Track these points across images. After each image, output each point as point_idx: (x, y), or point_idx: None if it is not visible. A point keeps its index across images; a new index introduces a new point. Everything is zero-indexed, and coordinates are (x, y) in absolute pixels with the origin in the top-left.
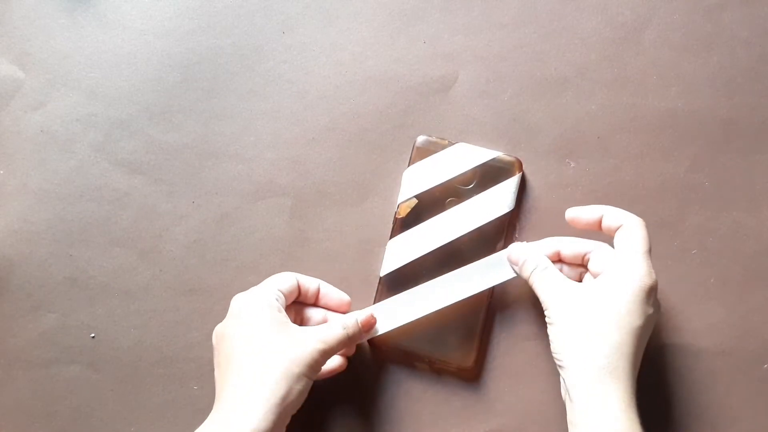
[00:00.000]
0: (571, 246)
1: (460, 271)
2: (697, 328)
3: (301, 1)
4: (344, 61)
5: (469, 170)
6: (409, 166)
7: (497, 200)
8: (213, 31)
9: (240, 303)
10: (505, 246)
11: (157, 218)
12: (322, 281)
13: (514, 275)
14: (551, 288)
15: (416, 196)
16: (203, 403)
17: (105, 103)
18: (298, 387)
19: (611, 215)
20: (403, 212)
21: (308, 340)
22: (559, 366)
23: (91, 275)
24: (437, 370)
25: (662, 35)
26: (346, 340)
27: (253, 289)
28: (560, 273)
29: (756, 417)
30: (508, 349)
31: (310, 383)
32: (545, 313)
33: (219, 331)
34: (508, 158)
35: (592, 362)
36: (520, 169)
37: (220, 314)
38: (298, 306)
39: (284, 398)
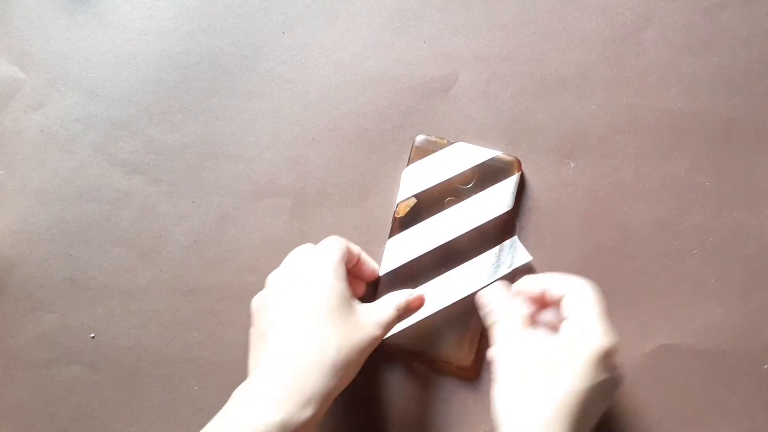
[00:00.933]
0: (542, 287)
1: (461, 269)
2: (697, 328)
3: (301, 1)
4: (344, 61)
5: (468, 169)
6: (408, 165)
7: (496, 199)
8: (213, 31)
9: (300, 261)
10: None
11: (157, 218)
12: (361, 249)
13: (509, 270)
14: (503, 341)
15: (415, 196)
16: (203, 403)
17: (105, 103)
18: (351, 374)
19: (553, 287)
20: (402, 211)
21: (368, 326)
22: (496, 423)
23: (91, 275)
24: (436, 370)
25: (662, 35)
26: (396, 321)
27: (313, 247)
28: (519, 327)
29: (756, 417)
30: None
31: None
32: (491, 367)
33: (271, 282)
34: (507, 157)
35: (529, 424)
36: (519, 168)
37: (220, 314)
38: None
39: (335, 389)
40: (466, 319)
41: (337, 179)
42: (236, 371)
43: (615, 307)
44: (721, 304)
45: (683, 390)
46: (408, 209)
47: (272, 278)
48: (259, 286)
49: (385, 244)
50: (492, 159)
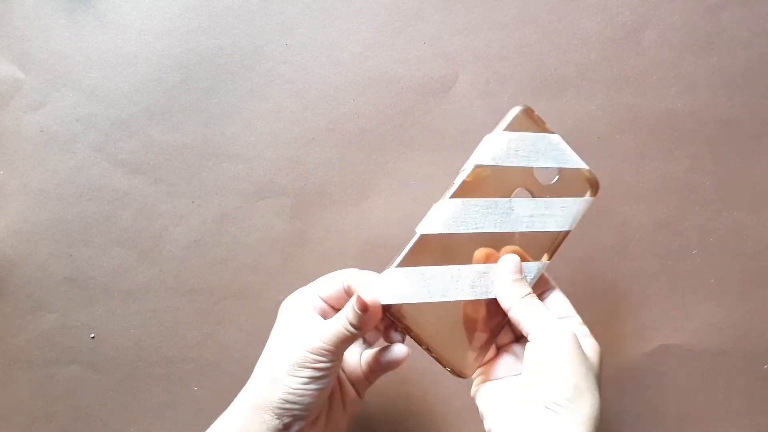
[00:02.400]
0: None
1: (494, 267)
2: (697, 328)
3: (301, 1)
4: (344, 61)
5: (557, 168)
6: (499, 130)
7: (563, 213)
8: (213, 31)
9: (282, 305)
10: (549, 261)
11: (157, 218)
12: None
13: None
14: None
15: (492, 167)
16: (203, 403)
17: (105, 103)
18: (291, 387)
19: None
20: (474, 177)
21: (302, 340)
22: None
23: (91, 275)
24: (434, 358)
25: (662, 35)
26: (350, 332)
27: (297, 291)
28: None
29: (756, 417)
30: None
31: (313, 381)
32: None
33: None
34: (591, 176)
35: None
36: (597, 192)
37: (220, 314)
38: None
39: (274, 399)
40: (483, 328)
41: (337, 179)
42: (236, 371)
43: (615, 307)
44: (721, 304)
45: (683, 390)
46: (478, 178)
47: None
48: (260, 286)
49: (407, 236)
50: (579, 170)
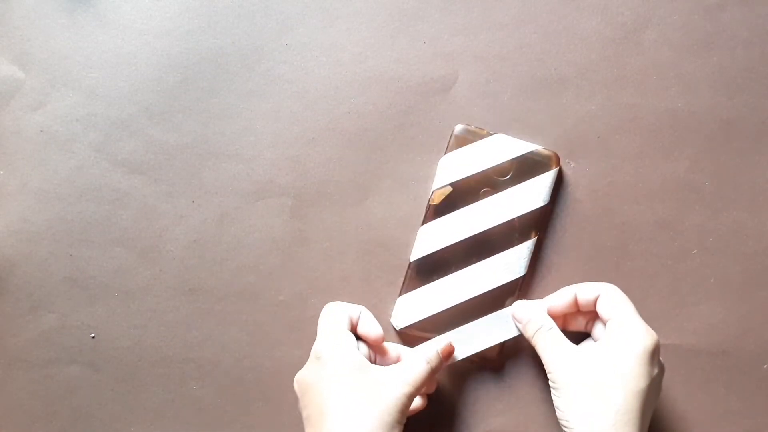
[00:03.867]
0: (573, 291)
1: (492, 260)
2: (697, 328)
3: (301, 1)
4: (344, 61)
5: (506, 161)
6: (445, 153)
7: (532, 193)
8: (213, 31)
9: (321, 348)
10: (537, 238)
11: (157, 218)
12: (363, 308)
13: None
14: (554, 351)
15: (451, 184)
16: (203, 403)
17: (105, 103)
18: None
19: (584, 290)
20: (437, 199)
21: (395, 385)
22: (566, 429)
23: (91, 275)
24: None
25: (662, 35)
26: (431, 373)
27: (326, 333)
28: (563, 335)
29: (756, 417)
30: (510, 349)
31: (401, 427)
32: (548, 376)
33: (302, 378)
34: (545, 152)
35: (599, 427)
36: (558, 163)
37: (220, 314)
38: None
39: None
40: (494, 311)
41: (337, 179)
42: (236, 371)
43: None
44: (721, 304)
45: (683, 390)
46: (443, 197)
47: (300, 376)
48: (260, 286)
49: (417, 231)
50: (531, 152)
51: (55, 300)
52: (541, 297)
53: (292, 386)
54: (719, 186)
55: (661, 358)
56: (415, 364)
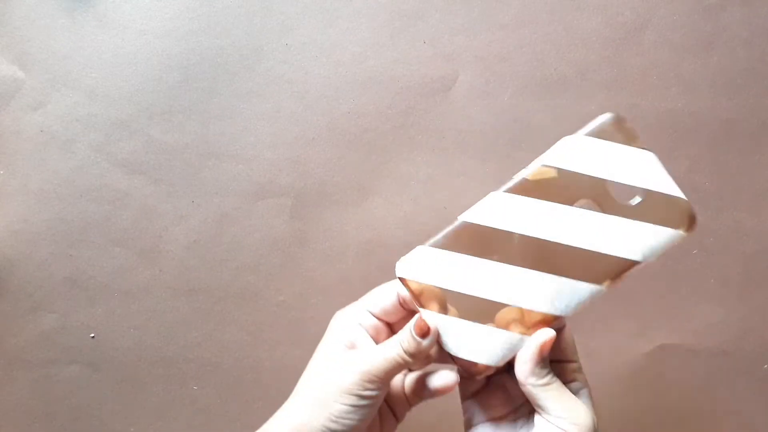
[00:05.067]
0: None
1: (542, 278)
2: (697, 328)
3: (301, 1)
4: (344, 61)
5: (637, 187)
6: (576, 134)
7: (638, 239)
8: (213, 31)
9: (333, 321)
10: (607, 288)
11: (157, 218)
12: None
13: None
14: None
15: (558, 170)
16: (203, 403)
17: (105, 103)
18: (335, 415)
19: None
20: (535, 176)
21: (351, 366)
22: None
23: (91, 275)
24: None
25: (662, 35)
26: (403, 359)
27: (350, 306)
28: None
29: (756, 417)
30: None
31: (360, 409)
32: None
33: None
34: (685, 205)
35: None
36: (690, 228)
37: (220, 314)
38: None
39: (317, 426)
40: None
41: (337, 179)
42: (236, 371)
43: (615, 307)
44: (721, 304)
45: (683, 390)
46: (542, 178)
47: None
48: (260, 286)
49: (488, 194)
50: (669, 196)
51: (55, 300)
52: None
53: (292, 386)
54: (719, 186)
55: None
56: (385, 346)
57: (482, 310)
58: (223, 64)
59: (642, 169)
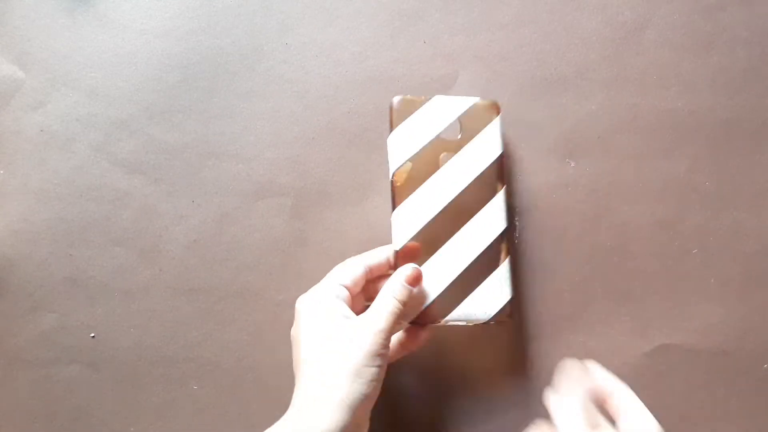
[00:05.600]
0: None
1: (473, 222)
2: (697, 328)
3: (301, 1)
4: (344, 61)
5: (453, 121)
6: (391, 130)
7: (487, 145)
8: (213, 31)
9: (301, 305)
10: (505, 187)
11: (157, 218)
12: (389, 250)
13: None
14: None
15: (409, 160)
16: (203, 403)
17: (105, 103)
18: (368, 379)
19: (615, 398)
20: (401, 179)
21: (365, 331)
22: None
23: (91, 275)
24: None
25: (662, 35)
26: (401, 309)
27: (314, 288)
28: None
29: (756, 417)
30: (510, 349)
31: (383, 369)
32: None
33: (292, 335)
34: (485, 102)
35: None
36: (499, 111)
37: (220, 314)
38: (372, 284)
39: (357, 395)
40: (492, 271)
41: (337, 179)
42: (236, 371)
43: (615, 307)
44: (721, 304)
45: (683, 390)
46: (406, 175)
47: (291, 333)
48: (259, 286)
49: (390, 218)
50: (473, 106)
51: (55, 300)
52: (543, 303)
53: (292, 386)
54: (719, 186)
55: None
56: (382, 303)
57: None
58: (223, 64)
59: (445, 109)
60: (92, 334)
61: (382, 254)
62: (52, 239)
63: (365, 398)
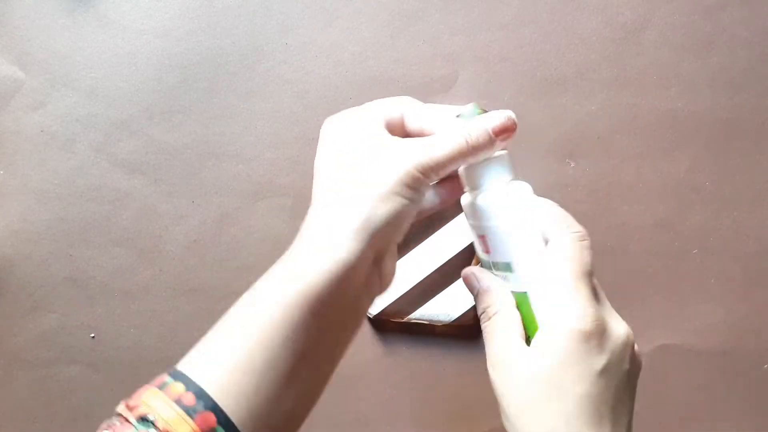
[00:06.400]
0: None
1: (445, 228)
2: (697, 328)
3: (301, 1)
4: (344, 61)
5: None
6: None
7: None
8: (213, 31)
9: (328, 127)
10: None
11: (157, 218)
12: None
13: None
14: (501, 364)
15: None
16: None
17: (105, 103)
18: (396, 208)
19: (546, 222)
20: None
21: (406, 152)
22: None
23: (91, 275)
24: (438, 333)
25: (662, 35)
26: (465, 149)
27: (346, 111)
28: (515, 327)
29: (756, 417)
30: None
31: (412, 205)
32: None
33: (314, 166)
34: (476, 111)
35: None
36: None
37: (220, 314)
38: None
39: (379, 221)
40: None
41: None
42: None
43: (615, 307)
44: (721, 304)
45: (683, 390)
46: None
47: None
48: None
49: None
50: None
51: (55, 300)
52: None
53: None
54: (719, 186)
55: (636, 348)
56: (446, 134)
57: None
58: (223, 64)
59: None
60: (92, 334)
61: (432, 112)
62: (52, 239)
63: (389, 227)
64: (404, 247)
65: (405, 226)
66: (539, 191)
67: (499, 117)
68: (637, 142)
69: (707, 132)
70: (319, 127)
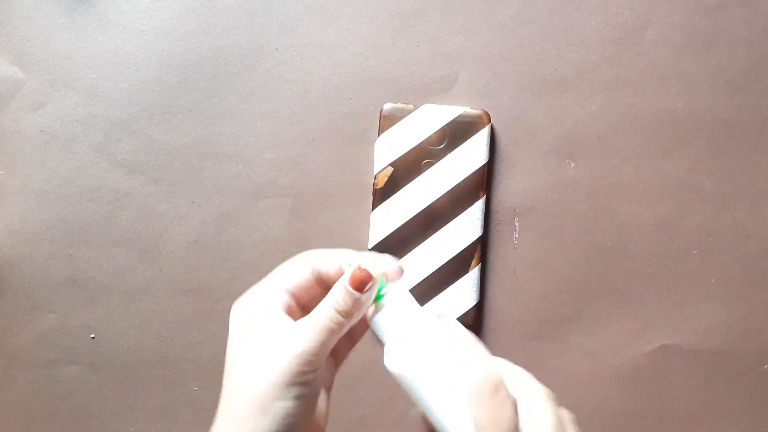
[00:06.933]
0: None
1: (447, 228)
2: (697, 328)
3: (301, 1)
4: (344, 61)
5: (438, 130)
6: (379, 135)
7: (471, 154)
8: (213, 31)
9: (234, 311)
10: (485, 196)
11: (157, 218)
12: (354, 254)
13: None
14: None
15: (391, 164)
16: (203, 403)
17: (105, 103)
18: (280, 416)
19: (513, 382)
20: (381, 182)
21: (279, 351)
22: None
23: (91, 275)
24: None
25: (662, 35)
26: (340, 322)
27: (251, 290)
28: None
29: (756, 417)
30: (509, 349)
31: (307, 398)
32: None
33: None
34: (474, 112)
35: None
36: (489, 120)
37: (220, 314)
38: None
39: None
40: (460, 277)
41: (337, 179)
42: None
43: (615, 307)
44: (721, 304)
45: (683, 390)
46: (386, 179)
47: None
48: None
49: (369, 217)
50: (460, 116)
51: (55, 300)
52: (543, 303)
53: None
54: (719, 186)
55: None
56: (314, 316)
57: None
58: (223, 64)
59: (433, 117)
60: (92, 334)
61: (339, 259)
62: (52, 239)
63: (296, 418)
64: (404, 248)
65: (304, 419)
66: (539, 191)
67: (352, 269)
68: (637, 142)
69: (707, 132)
70: (319, 126)
